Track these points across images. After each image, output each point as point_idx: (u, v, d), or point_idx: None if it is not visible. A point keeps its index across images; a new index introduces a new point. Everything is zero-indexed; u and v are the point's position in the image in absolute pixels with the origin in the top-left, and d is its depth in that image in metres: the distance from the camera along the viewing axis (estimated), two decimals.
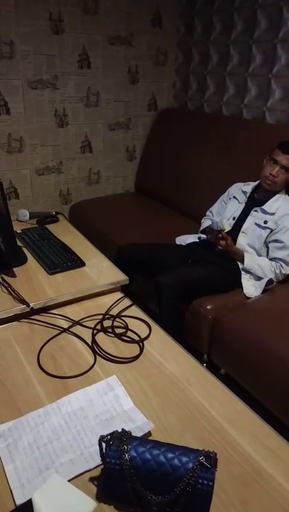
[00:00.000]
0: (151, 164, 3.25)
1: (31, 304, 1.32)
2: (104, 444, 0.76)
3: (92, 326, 1.29)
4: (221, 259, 2.00)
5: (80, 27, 2.72)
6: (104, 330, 1.28)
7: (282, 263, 1.96)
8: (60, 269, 1.53)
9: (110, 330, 1.28)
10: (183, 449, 0.75)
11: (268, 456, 0.87)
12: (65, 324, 1.30)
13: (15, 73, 2.61)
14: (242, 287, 1.97)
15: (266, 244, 2.01)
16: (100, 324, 1.30)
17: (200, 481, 0.71)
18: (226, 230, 2.09)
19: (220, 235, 1.96)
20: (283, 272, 1.97)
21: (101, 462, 0.78)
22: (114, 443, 0.76)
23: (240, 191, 2.17)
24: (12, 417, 0.95)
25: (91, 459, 0.84)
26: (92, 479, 0.81)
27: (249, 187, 2.15)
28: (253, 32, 2.54)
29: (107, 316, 1.34)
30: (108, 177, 3.33)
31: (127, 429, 0.79)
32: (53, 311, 1.36)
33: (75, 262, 1.58)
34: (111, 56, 2.92)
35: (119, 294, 1.48)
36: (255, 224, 2.02)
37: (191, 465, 0.72)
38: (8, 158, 2.80)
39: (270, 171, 1.95)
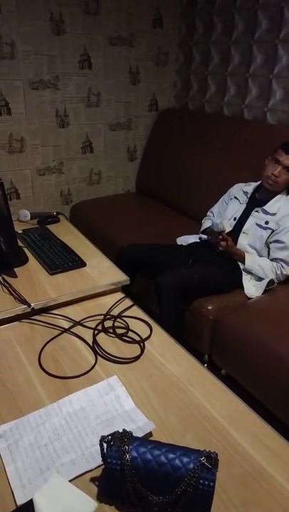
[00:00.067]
0: (152, 164, 3.25)
1: (32, 304, 1.32)
2: (105, 445, 0.76)
3: (93, 327, 1.29)
4: (221, 259, 2.00)
5: (81, 27, 2.72)
6: (105, 330, 1.28)
7: (283, 263, 1.96)
8: (61, 270, 1.53)
9: (111, 330, 1.28)
10: (184, 450, 0.75)
11: (269, 457, 0.87)
12: (66, 324, 1.30)
13: (16, 73, 2.61)
14: (243, 288, 1.96)
15: (267, 244, 2.01)
16: (100, 324, 1.30)
17: (201, 481, 0.71)
18: (227, 231, 2.09)
19: (220, 236, 1.96)
20: (284, 273, 1.97)
21: (102, 462, 0.78)
22: (115, 443, 0.76)
23: (241, 192, 2.17)
24: (13, 417, 0.95)
25: (92, 459, 0.84)
26: (93, 479, 0.81)
27: (250, 187, 2.15)
28: (254, 32, 2.54)
29: (108, 317, 1.34)
30: (109, 177, 3.33)
31: (128, 430, 0.79)
32: (54, 312, 1.36)
33: (75, 262, 1.58)
34: (112, 56, 2.93)
35: (120, 295, 1.48)
36: (256, 224, 2.01)
37: (192, 465, 0.72)
38: (9, 158, 2.81)
39: (272, 170, 1.95)
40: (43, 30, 2.60)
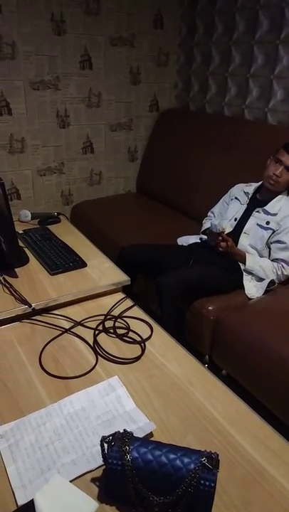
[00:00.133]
0: (152, 165, 3.26)
1: (33, 305, 1.32)
2: (106, 445, 0.76)
3: (94, 327, 1.29)
4: (222, 259, 2.00)
5: (81, 28, 2.72)
6: (105, 330, 1.28)
7: (283, 264, 1.96)
8: (62, 270, 1.53)
9: (112, 330, 1.28)
10: (185, 450, 0.75)
11: (270, 457, 0.87)
12: (66, 325, 1.30)
13: (17, 74, 2.61)
14: (243, 288, 1.96)
15: (268, 245, 2.01)
16: (101, 325, 1.30)
17: (202, 482, 0.71)
18: (228, 231, 2.08)
19: (220, 237, 1.96)
20: (285, 273, 1.97)
21: (103, 463, 0.78)
22: (116, 444, 0.76)
23: (242, 192, 2.17)
24: (14, 417, 0.95)
25: (93, 459, 0.84)
26: (94, 480, 0.81)
27: (251, 188, 2.15)
28: (255, 33, 2.54)
29: (108, 317, 1.34)
30: (110, 178, 3.33)
31: (128, 430, 0.79)
32: (55, 312, 1.36)
33: (76, 262, 1.58)
34: (113, 57, 2.93)
35: (120, 295, 1.48)
36: (257, 225, 2.01)
37: (193, 466, 0.72)
38: (10, 158, 2.81)
39: (273, 170, 1.95)
40: (44, 31, 2.60)
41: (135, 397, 1.01)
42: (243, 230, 2.05)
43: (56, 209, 3.01)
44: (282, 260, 1.96)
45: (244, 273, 1.99)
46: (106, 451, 0.76)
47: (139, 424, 0.92)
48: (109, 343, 1.23)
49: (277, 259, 1.98)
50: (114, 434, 0.78)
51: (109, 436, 0.77)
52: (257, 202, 2.08)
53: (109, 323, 1.31)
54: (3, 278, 1.46)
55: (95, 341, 1.22)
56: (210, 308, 1.88)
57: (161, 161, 3.14)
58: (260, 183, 2.13)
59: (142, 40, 3.00)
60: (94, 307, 1.40)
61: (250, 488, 0.80)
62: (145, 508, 0.74)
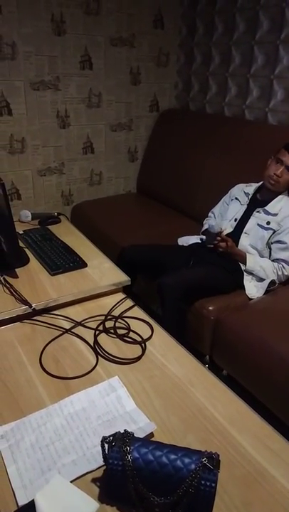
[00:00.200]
0: (153, 165, 3.25)
1: (33, 305, 1.32)
2: (106, 445, 0.76)
3: (94, 327, 1.29)
4: (222, 260, 2.00)
5: (81, 28, 2.72)
6: (106, 331, 1.28)
7: (284, 264, 1.96)
8: (62, 270, 1.53)
9: (112, 331, 1.28)
10: (185, 451, 0.75)
11: (271, 458, 0.87)
12: (67, 325, 1.30)
13: (17, 74, 2.61)
14: (244, 288, 1.96)
15: (268, 245, 2.01)
16: (102, 325, 1.30)
17: (202, 482, 0.71)
18: (228, 232, 2.09)
19: (218, 238, 1.96)
20: (285, 273, 1.97)
21: (103, 463, 0.78)
22: (117, 444, 0.76)
23: (242, 192, 2.17)
24: (14, 417, 0.95)
25: (93, 459, 0.84)
26: (94, 480, 0.81)
27: (251, 188, 2.15)
28: (255, 33, 2.54)
29: (109, 317, 1.34)
30: (110, 178, 3.34)
31: (129, 430, 0.79)
32: (55, 312, 1.36)
33: (77, 262, 1.58)
34: (113, 57, 2.93)
35: (121, 295, 1.48)
36: (258, 225, 2.01)
37: (193, 466, 0.72)
38: (10, 159, 2.81)
39: (274, 170, 1.95)
40: (44, 31, 2.60)
41: (136, 397, 1.01)
42: (244, 230, 2.05)
43: (56, 209, 3.01)
44: (283, 260, 1.96)
45: (244, 273, 1.99)
46: (106, 451, 0.76)
47: (140, 425, 0.92)
48: (109, 343, 1.23)
49: (277, 259, 1.98)
50: (115, 435, 0.78)
51: (109, 436, 0.77)
52: (257, 202, 2.08)
53: (109, 324, 1.31)
54: (4, 278, 1.46)
55: (96, 341, 1.22)
56: (210, 308, 1.88)
57: (162, 161, 3.14)
58: (260, 183, 2.13)
59: (142, 40, 3.00)
60: (94, 307, 1.40)
61: (250, 488, 0.80)
62: (146, 508, 0.74)
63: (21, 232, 1.85)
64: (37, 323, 1.30)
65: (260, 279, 1.98)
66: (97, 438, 0.89)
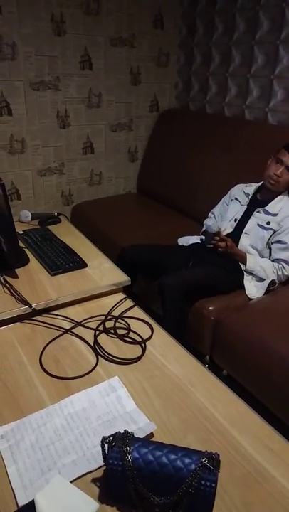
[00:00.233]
0: (153, 165, 3.25)
1: (33, 305, 1.32)
2: (106, 445, 0.76)
3: (94, 327, 1.29)
4: (222, 260, 1.99)
5: (81, 28, 2.73)
6: (106, 331, 1.28)
7: (284, 264, 1.96)
8: (62, 270, 1.53)
9: (112, 331, 1.27)
10: (185, 451, 0.75)
11: (271, 458, 0.86)
12: (67, 325, 1.30)
13: (17, 74, 2.61)
14: (244, 288, 1.96)
15: (269, 245, 2.01)
16: (102, 325, 1.30)
17: (203, 482, 0.71)
18: (227, 232, 2.09)
19: (216, 237, 1.96)
20: (285, 273, 1.97)
21: (103, 463, 0.78)
22: (117, 444, 0.76)
23: (242, 193, 2.17)
24: (14, 417, 0.95)
25: (93, 460, 0.84)
26: (94, 480, 0.81)
27: (251, 188, 2.15)
28: (255, 33, 2.54)
29: (109, 317, 1.34)
30: (110, 178, 3.34)
31: (129, 431, 0.79)
32: (55, 312, 1.36)
33: (77, 263, 1.58)
34: (113, 57, 2.93)
35: (121, 295, 1.48)
36: (258, 225, 2.01)
37: (193, 466, 0.72)
38: (10, 159, 2.81)
39: (274, 170, 1.95)
40: (44, 31, 2.60)
41: (136, 397, 1.01)
42: (244, 231, 2.05)
43: (56, 209, 3.01)
44: (283, 260, 1.96)
45: (244, 273, 1.99)
46: (106, 451, 0.76)
47: (140, 425, 0.92)
48: (109, 343, 1.23)
49: (277, 259, 1.98)
50: (115, 435, 0.78)
51: (109, 436, 0.77)
52: (257, 202, 2.08)
53: (109, 324, 1.31)
54: (4, 278, 1.46)
55: (96, 342, 1.22)
56: (210, 308, 1.87)
57: (162, 161, 3.14)
58: (260, 183, 2.13)
59: (142, 40, 3.00)
60: (94, 307, 1.40)
61: (250, 488, 0.80)
62: (146, 508, 0.74)
63: (21, 232, 1.85)
64: (37, 323, 1.30)
65: (260, 279, 1.98)
66: (97, 438, 0.89)
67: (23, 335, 1.25)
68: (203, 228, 2.31)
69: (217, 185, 2.49)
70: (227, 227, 2.12)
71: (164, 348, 1.21)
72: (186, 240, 2.27)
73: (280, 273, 1.96)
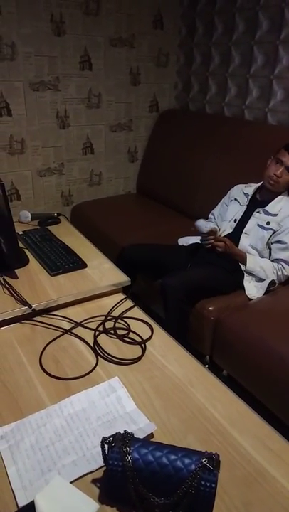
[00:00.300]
0: (152, 165, 3.25)
1: (33, 306, 1.32)
2: (106, 446, 0.76)
3: (94, 328, 1.29)
4: (222, 260, 1.99)
5: (81, 28, 2.73)
6: (106, 331, 1.27)
7: (284, 264, 1.96)
8: (62, 271, 1.53)
9: (112, 331, 1.27)
10: (185, 451, 0.75)
11: (271, 458, 0.86)
12: (67, 325, 1.30)
13: (16, 75, 2.61)
14: (244, 288, 1.96)
15: (268, 245, 2.01)
16: (101, 325, 1.30)
17: (203, 482, 0.71)
18: (227, 233, 2.09)
19: (210, 237, 1.96)
20: (285, 274, 1.97)
21: (103, 464, 0.78)
22: (117, 445, 0.76)
23: (241, 193, 2.17)
24: (14, 418, 0.94)
25: (93, 460, 0.84)
26: (94, 481, 0.81)
27: (251, 189, 2.15)
28: (255, 33, 2.54)
29: (109, 318, 1.34)
30: (110, 178, 3.34)
31: (129, 431, 0.79)
32: (55, 313, 1.36)
33: (76, 263, 1.58)
34: (112, 58, 2.93)
35: (121, 296, 1.48)
36: (258, 225, 2.01)
37: (193, 467, 0.72)
38: (10, 159, 2.81)
39: (274, 170, 1.95)
40: (44, 32, 2.60)
41: (136, 397, 1.01)
42: (244, 231, 2.05)
43: (56, 210, 3.01)
44: (283, 260, 1.96)
45: (244, 274, 1.99)
46: (106, 452, 0.76)
47: (140, 425, 0.92)
48: (109, 343, 1.22)
49: (277, 259, 1.98)
50: (115, 435, 0.78)
51: (109, 437, 0.77)
52: (257, 202, 2.08)
53: (109, 324, 1.31)
54: (3, 279, 1.46)
55: (96, 342, 1.22)
56: (210, 308, 1.87)
57: (161, 161, 3.14)
58: (259, 183, 2.12)
59: (142, 40, 3.00)
60: (94, 308, 1.40)
61: (250, 488, 0.80)
62: (146, 509, 0.74)
63: (21, 232, 1.85)
64: (37, 323, 1.30)
65: (260, 280, 1.98)
66: (97, 439, 0.89)
67: (22, 335, 1.24)
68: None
69: (217, 186, 2.49)
70: (227, 228, 2.12)
71: (164, 349, 1.21)
72: (186, 240, 2.27)
73: (279, 273, 1.96)
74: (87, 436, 0.90)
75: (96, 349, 1.19)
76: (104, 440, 0.77)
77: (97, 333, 1.26)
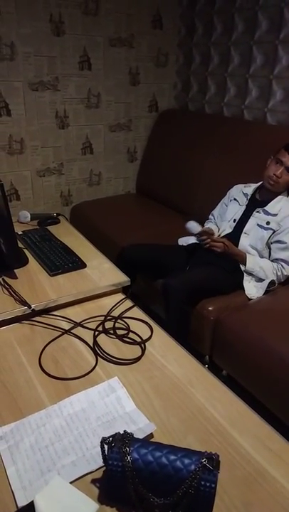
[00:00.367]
0: (152, 165, 3.25)
1: (32, 306, 1.31)
2: (106, 446, 0.76)
3: (94, 328, 1.28)
4: (222, 260, 1.99)
5: (80, 28, 2.72)
6: (105, 331, 1.27)
7: (283, 264, 1.96)
8: (62, 271, 1.53)
9: (112, 331, 1.27)
10: (185, 451, 0.75)
11: (271, 458, 0.86)
12: (66, 326, 1.30)
13: (16, 75, 2.61)
14: (243, 289, 1.96)
15: (268, 245, 2.01)
16: (101, 325, 1.30)
17: (202, 483, 0.71)
18: (227, 232, 2.09)
19: (203, 237, 1.96)
20: (285, 273, 1.97)
21: (103, 464, 0.78)
22: (116, 445, 0.75)
23: (240, 193, 2.17)
24: (14, 418, 0.94)
25: (93, 460, 0.84)
26: (94, 481, 0.81)
27: (250, 189, 2.15)
28: (254, 33, 2.54)
29: (108, 318, 1.34)
30: (109, 178, 3.33)
31: (128, 431, 0.79)
32: (55, 313, 1.36)
33: (76, 263, 1.58)
34: (112, 58, 2.93)
35: (120, 296, 1.48)
36: (258, 225, 2.01)
37: (193, 467, 0.72)
38: (9, 159, 2.81)
39: (274, 171, 1.95)
40: (43, 32, 2.60)
41: (135, 398, 1.01)
42: (243, 231, 2.05)
43: (55, 210, 3.01)
44: (283, 260, 1.96)
45: (244, 274, 1.99)
46: (106, 452, 0.76)
47: (140, 425, 0.92)
48: (109, 343, 1.22)
49: (277, 259, 1.98)
50: (115, 436, 0.77)
51: (109, 437, 0.77)
52: (257, 202, 2.08)
53: (109, 324, 1.31)
54: (3, 279, 1.46)
55: (95, 342, 1.22)
56: (210, 308, 1.87)
57: (161, 161, 3.14)
58: (259, 183, 2.12)
59: (141, 40, 3.00)
60: (94, 308, 1.40)
61: (250, 488, 0.80)
62: (145, 509, 0.74)
63: (20, 232, 1.85)
64: (36, 324, 1.30)
65: (260, 280, 1.98)
66: (96, 439, 0.89)
67: (22, 335, 1.24)
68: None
69: (216, 185, 2.49)
70: (226, 228, 2.12)
71: (164, 349, 1.21)
72: (186, 240, 2.27)
73: (279, 273, 1.96)
74: (87, 436, 0.90)
75: (96, 349, 1.19)
76: (103, 440, 0.77)
77: (96, 333, 1.26)
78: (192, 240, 2.24)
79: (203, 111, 3.10)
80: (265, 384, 1.64)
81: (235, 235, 2.06)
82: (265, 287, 1.94)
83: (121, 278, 1.52)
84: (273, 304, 1.92)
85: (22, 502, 0.76)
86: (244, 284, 1.97)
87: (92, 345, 1.20)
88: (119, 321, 1.33)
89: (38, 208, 3.05)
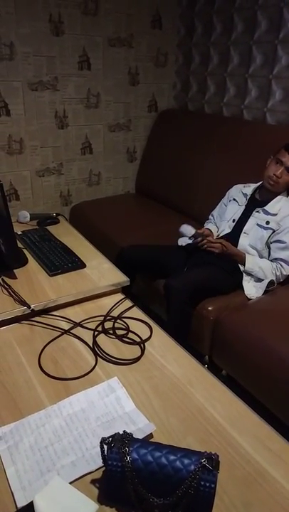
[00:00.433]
0: (151, 165, 3.25)
1: (32, 306, 1.31)
2: (105, 446, 0.76)
3: (93, 328, 1.28)
4: (221, 260, 1.99)
5: (80, 28, 2.72)
6: (105, 331, 1.27)
7: (282, 263, 1.96)
8: (61, 271, 1.53)
9: (111, 331, 1.27)
10: (185, 451, 0.75)
11: (270, 458, 0.86)
12: (66, 326, 1.30)
13: (15, 75, 2.61)
14: (243, 289, 1.96)
15: (268, 245, 2.01)
16: (101, 326, 1.30)
17: (202, 483, 0.71)
18: (226, 232, 2.09)
19: (198, 239, 1.96)
20: (284, 273, 1.97)
21: (102, 464, 0.78)
22: (116, 445, 0.75)
23: (240, 193, 2.17)
24: (13, 418, 0.94)
25: (92, 461, 0.84)
26: (93, 481, 0.81)
27: (250, 189, 2.15)
28: (254, 33, 2.54)
29: (108, 318, 1.34)
30: (108, 178, 3.33)
31: (128, 431, 0.79)
32: (54, 313, 1.36)
33: (75, 263, 1.58)
34: (111, 57, 2.93)
35: (120, 296, 1.48)
36: (257, 225, 2.01)
37: (193, 467, 0.72)
38: (9, 159, 2.80)
39: (274, 171, 1.95)
40: (42, 32, 2.60)
41: (135, 398, 1.01)
42: (243, 230, 2.05)
43: (55, 210, 3.00)
44: (282, 260, 1.96)
45: (243, 274, 1.99)
46: (106, 452, 0.76)
47: (139, 426, 0.92)
48: (108, 344, 1.22)
49: (276, 258, 1.98)
50: (114, 436, 0.77)
51: (108, 437, 0.77)
52: (256, 202, 2.08)
53: (108, 324, 1.31)
54: (2, 279, 1.46)
55: (95, 342, 1.22)
56: (210, 308, 1.87)
57: (160, 161, 3.14)
58: (259, 183, 2.12)
59: (141, 40, 3.00)
60: (93, 308, 1.40)
61: (250, 488, 0.80)
62: (145, 509, 0.74)
63: (20, 232, 1.84)
64: (36, 324, 1.30)
65: (259, 280, 1.98)
66: (96, 439, 0.89)
67: (21, 336, 1.24)
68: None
69: (216, 185, 2.49)
70: (225, 228, 2.12)
71: (163, 349, 1.21)
72: (186, 241, 2.27)
73: (278, 273, 1.96)
74: (87, 436, 0.90)
75: (95, 349, 1.19)
76: (103, 440, 0.77)
77: (96, 333, 1.26)
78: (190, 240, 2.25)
79: (202, 111, 3.10)
80: (265, 384, 1.64)
81: (234, 235, 2.06)
82: (265, 287, 1.94)
83: (120, 278, 1.52)
84: (273, 304, 1.92)
85: (21, 502, 0.76)
86: (243, 284, 1.97)
87: (91, 346, 1.20)
88: (118, 321, 1.33)
89: (37, 208, 3.05)
